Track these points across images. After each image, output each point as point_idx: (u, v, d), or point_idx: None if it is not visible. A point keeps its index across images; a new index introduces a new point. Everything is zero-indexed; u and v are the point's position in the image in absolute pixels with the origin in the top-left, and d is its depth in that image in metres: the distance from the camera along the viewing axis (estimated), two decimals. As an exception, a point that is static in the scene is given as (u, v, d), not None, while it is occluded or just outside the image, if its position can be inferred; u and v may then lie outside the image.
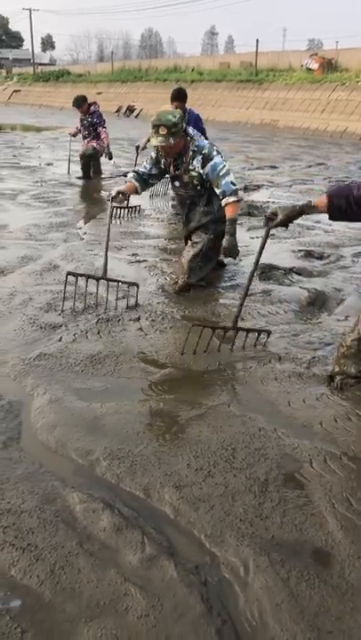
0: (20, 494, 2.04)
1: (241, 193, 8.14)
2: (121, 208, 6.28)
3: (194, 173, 3.89)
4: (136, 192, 4.13)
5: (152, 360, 3.10)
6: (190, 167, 3.88)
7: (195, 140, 3.88)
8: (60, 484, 2.10)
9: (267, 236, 3.00)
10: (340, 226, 5.95)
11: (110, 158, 9.15)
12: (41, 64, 52.47)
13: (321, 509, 1.99)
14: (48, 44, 77.36)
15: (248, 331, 3.31)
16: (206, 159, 3.82)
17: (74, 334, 3.36)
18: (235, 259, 4.07)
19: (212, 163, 3.81)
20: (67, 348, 3.19)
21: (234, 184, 3.80)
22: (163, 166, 4.05)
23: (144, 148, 7.16)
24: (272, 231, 3.12)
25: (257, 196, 7.91)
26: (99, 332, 3.40)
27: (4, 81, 47.29)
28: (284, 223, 2.82)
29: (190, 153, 3.86)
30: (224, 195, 3.79)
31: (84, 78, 38.34)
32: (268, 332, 3.35)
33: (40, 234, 5.77)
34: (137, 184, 4.07)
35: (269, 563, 1.75)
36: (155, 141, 3.74)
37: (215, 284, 4.29)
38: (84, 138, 9.02)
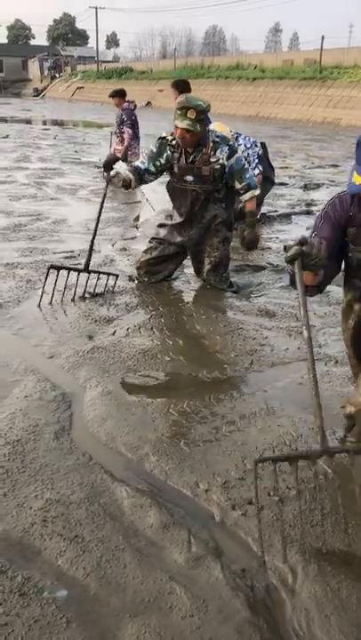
0: (69, 485, 2.06)
1: (302, 192, 8.02)
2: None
3: (217, 166, 3.73)
4: (130, 184, 3.95)
5: (205, 358, 3.07)
6: (213, 159, 3.73)
7: (214, 131, 3.83)
8: (109, 477, 2.10)
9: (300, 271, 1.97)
10: None
11: (124, 161, 7.25)
12: (105, 61, 53.18)
13: (375, 520, 1.91)
14: (112, 41, 78.28)
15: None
16: (233, 151, 3.78)
17: (127, 329, 3.37)
18: (252, 250, 4.30)
19: (238, 155, 3.81)
20: (120, 342, 3.21)
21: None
22: (164, 160, 3.83)
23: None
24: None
25: (317, 195, 7.75)
26: (152, 328, 3.40)
27: (69, 78, 48.30)
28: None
29: (211, 144, 3.74)
30: (249, 187, 3.80)
31: (146, 75, 38.60)
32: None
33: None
34: (132, 177, 3.91)
35: (319, 572, 1.69)
36: (181, 124, 3.58)
37: (266, 286, 4.22)
38: (116, 137, 8.85)
